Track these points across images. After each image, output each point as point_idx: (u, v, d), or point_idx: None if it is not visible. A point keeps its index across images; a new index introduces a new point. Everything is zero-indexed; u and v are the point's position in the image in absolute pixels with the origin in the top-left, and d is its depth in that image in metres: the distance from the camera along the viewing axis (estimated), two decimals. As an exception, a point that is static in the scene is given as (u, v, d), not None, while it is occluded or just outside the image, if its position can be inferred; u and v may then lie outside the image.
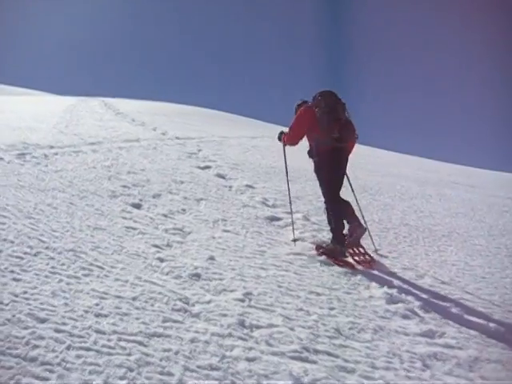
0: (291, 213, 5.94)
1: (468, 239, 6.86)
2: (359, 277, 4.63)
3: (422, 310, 4.05)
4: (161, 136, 13.27)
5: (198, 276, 3.96)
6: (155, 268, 3.98)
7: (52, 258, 3.76)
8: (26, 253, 3.76)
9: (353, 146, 5.33)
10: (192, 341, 2.95)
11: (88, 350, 2.65)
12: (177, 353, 2.79)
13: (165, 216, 5.51)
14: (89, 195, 5.74)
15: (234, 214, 6.16)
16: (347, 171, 5.39)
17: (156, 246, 4.50)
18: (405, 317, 3.86)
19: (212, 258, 4.42)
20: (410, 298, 4.24)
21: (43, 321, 2.84)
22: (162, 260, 4.17)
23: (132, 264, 3.97)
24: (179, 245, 4.67)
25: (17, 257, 3.65)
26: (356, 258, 5.12)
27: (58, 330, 2.78)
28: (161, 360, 2.68)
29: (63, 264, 3.70)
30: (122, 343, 2.77)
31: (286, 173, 6.00)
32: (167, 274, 3.91)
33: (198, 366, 2.69)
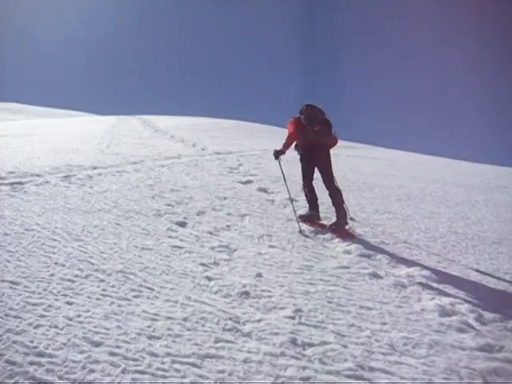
0: (291, 201, 7.08)
1: (520, 246, 6.63)
2: (409, 289, 4.52)
3: (478, 322, 3.91)
4: (201, 152, 13.39)
5: (246, 294, 3.94)
6: (204, 287, 3.99)
7: (102, 281, 3.80)
8: (77, 276, 3.82)
9: (334, 143, 6.62)
10: (245, 361, 2.93)
11: (143, 373, 2.66)
12: (231, 374, 2.77)
13: (210, 233, 5.53)
14: (134, 215, 5.81)
15: (278, 228, 6.14)
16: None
17: (203, 265, 4.51)
18: (460, 330, 3.73)
19: (260, 275, 4.39)
20: (463, 310, 4.10)
21: (98, 344, 2.87)
22: (210, 279, 4.17)
23: (181, 284, 3.99)
24: (226, 262, 4.67)
25: (68, 280, 3.71)
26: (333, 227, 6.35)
27: (112, 354, 2.80)
28: (215, 382, 2.67)
29: (113, 286, 3.74)
30: (176, 365, 2.77)
31: (285, 180, 6.99)
32: (216, 292, 3.91)
33: (253, 388, 2.67)
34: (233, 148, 15.22)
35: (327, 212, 7.00)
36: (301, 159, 6.83)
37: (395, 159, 19.17)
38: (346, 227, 6.40)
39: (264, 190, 8.37)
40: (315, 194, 6.78)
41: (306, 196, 6.83)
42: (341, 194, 6.46)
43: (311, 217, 6.67)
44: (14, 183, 6.54)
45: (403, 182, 11.59)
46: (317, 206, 6.76)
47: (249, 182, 9.18)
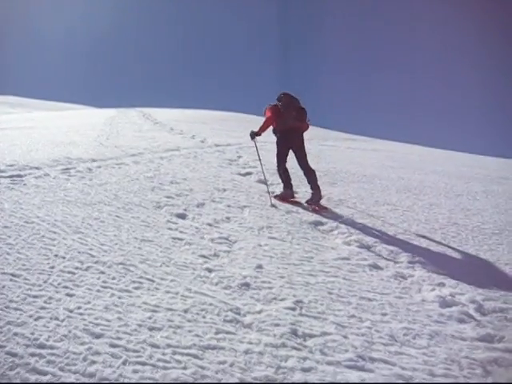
0: (266, 183, 8.09)
1: (520, 237, 6.62)
2: (409, 280, 4.52)
3: (478, 312, 3.91)
4: (200, 144, 13.36)
5: (247, 285, 3.94)
6: (204, 279, 3.98)
7: (102, 272, 3.80)
8: (77, 268, 3.82)
9: (306, 128, 7.37)
10: (246, 352, 2.93)
11: (144, 364, 2.66)
12: (232, 365, 2.77)
13: (210, 225, 5.52)
14: (134, 207, 5.80)
15: (278, 220, 6.13)
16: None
17: (203, 257, 4.50)
18: (460, 321, 3.73)
19: (260, 267, 4.39)
20: (463, 300, 4.09)
21: (99, 336, 2.88)
22: (210, 270, 4.17)
23: (181, 275, 3.98)
24: (226, 254, 4.66)
25: (69, 272, 3.72)
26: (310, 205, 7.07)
27: (113, 345, 2.80)
28: (216, 373, 2.67)
29: (114, 278, 3.74)
30: (177, 357, 2.77)
31: (259, 159, 8.25)
32: (216, 284, 3.91)
33: (254, 378, 2.67)
34: (232, 140, 15.18)
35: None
36: (277, 142, 7.53)
37: (395, 151, 19.14)
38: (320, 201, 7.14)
39: (263, 182, 8.35)
40: (289, 175, 7.49)
41: (281, 176, 7.57)
42: (315, 173, 7.21)
43: (286, 195, 7.42)
44: (14, 176, 6.54)
45: (403, 174, 11.57)
46: (291, 185, 7.48)
47: (248, 173, 9.18)
